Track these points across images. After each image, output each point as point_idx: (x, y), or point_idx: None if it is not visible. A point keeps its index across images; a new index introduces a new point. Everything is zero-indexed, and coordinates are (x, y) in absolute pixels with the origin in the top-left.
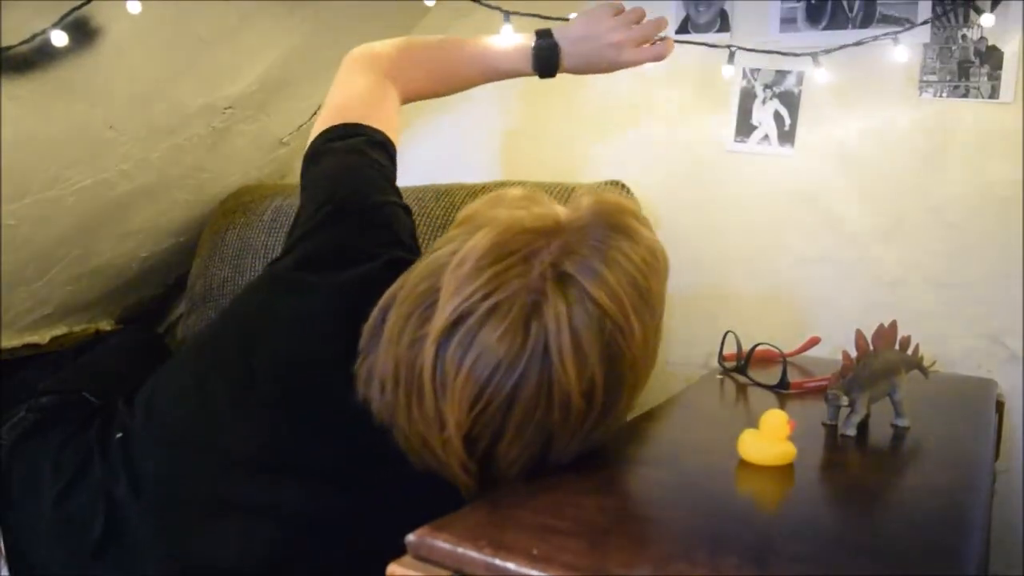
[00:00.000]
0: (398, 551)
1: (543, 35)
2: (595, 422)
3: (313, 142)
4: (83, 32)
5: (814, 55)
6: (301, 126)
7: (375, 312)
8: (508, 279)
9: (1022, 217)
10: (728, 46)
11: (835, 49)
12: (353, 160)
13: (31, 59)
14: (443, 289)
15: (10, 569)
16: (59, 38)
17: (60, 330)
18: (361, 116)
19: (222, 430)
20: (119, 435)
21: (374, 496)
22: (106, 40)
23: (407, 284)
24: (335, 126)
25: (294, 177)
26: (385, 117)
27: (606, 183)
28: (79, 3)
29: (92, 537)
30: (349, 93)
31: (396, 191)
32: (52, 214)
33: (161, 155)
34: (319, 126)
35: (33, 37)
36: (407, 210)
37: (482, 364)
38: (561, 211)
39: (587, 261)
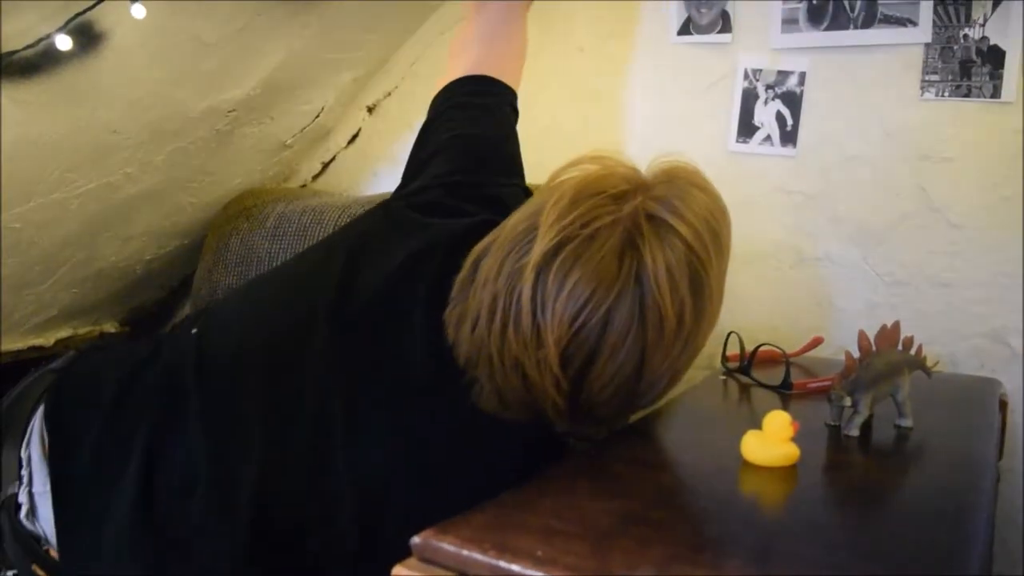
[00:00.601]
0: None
1: None
2: (683, 345)
3: (455, 86)
4: (87, 36)
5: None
6: (304, 129)
7: (467, 264)
8: (602, 213)
9: (1022, 217)
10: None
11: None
12: (491, 131)
13: (36, 63)
14: (542, 223)
15: None
16: (64, 43)
17: (65, 332)
18: (510, 72)
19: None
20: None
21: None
22: (110, 44)
23: (505, 228)
24: (483, 77)
25: (297, 180)
26: (515, 72)
27: None
28: (84, 7)
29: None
30: (497, 43)
31: (520, 171)
32: (57, 217)
33: (165, 158)
34: (459, 63)
35: (38, 42)
36: (527, 191)
37: (582, 286)
38: (639, 168)
39: (672, 204)
